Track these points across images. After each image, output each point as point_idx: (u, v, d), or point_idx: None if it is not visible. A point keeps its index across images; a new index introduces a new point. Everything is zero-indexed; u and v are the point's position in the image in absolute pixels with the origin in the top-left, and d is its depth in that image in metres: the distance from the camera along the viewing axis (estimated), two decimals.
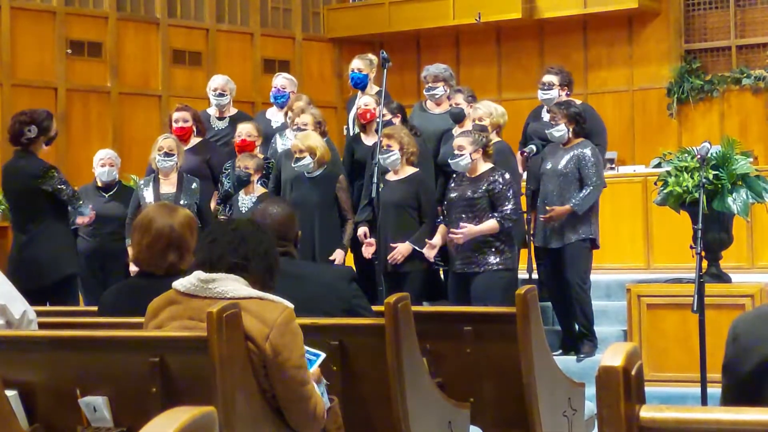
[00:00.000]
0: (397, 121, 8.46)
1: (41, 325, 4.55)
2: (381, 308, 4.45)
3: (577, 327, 8.23)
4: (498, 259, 7.60)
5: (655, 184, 8.16)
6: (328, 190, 8.10)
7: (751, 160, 8.12)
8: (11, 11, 14.03)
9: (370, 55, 9.30)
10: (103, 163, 8.95)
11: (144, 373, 3.67)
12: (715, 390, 6.26)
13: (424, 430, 4.37)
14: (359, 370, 4.43)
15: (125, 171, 10.39)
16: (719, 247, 7.85)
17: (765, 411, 2.04)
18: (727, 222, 7.80)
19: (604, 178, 8.27)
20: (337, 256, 8.05)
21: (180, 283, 3.87)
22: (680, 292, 7.67)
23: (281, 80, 9.55)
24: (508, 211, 7.57)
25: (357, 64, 9.13)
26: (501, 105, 8.77)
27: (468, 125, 8.31)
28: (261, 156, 8.58)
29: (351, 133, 9.08)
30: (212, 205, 8.52)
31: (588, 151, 8.02)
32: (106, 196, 8.90)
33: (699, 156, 7.11)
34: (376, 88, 9.03)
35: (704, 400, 6.58)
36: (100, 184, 8.97)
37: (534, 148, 8.36)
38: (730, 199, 7.58)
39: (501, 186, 7.59)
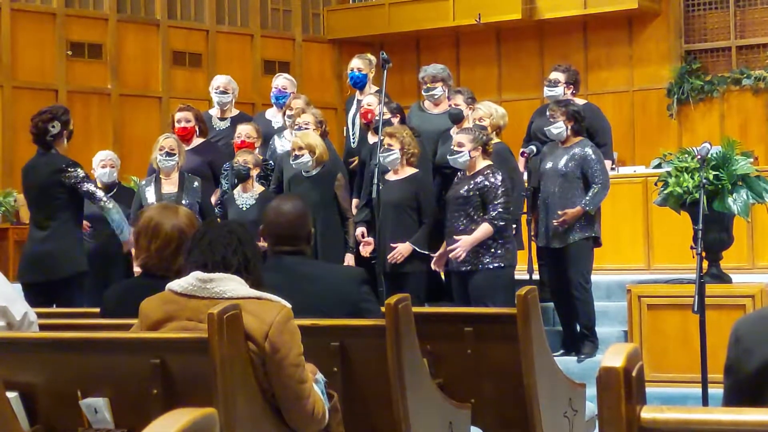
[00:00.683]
0: (396, 121, 8.46)
1: (42, 327, 4.55)
2: (381, 309, 4.45)
3: (578, 327, 8.23)
4: (495, 258, 7.59)
5: (656, 184, 8.15)
6: (327, 189, 8.10)
7: (752, 160, 8.12)
8: (11, 13, 14.05)
9: (369, 55, 9.31)
10: (103, 165, 8.95)
11: (145, 374, 3.67)
12: (715, 390, 6.25)
13: (424, 431, 4.37)
14: (360, 371, 4.43)
15: (126, 172, 10.41)
16: (720, 248, 7.84)
17: (766, 411, 2.04)
18: (728, 222, 7.79)
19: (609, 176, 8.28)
20: (348, 261, 8.07)
21: (177, 284, 3.86)
22: (681, 293, 7.67)
23: (282, 81, 9.55)
24: (500, 210, 7.53)
25: (356, 63, 9.13)
26: (501, 105, 8.77)
27: (467, 126, 8.30)
28: (260, 157, 8.58)
29: (351, 133, 9.07)
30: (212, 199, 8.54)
31: (590, 151, 8.02)
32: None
33: (699, 156, 7.11)
34: (374, 88, 9.03)
35: (705, 400, 6.58)
36: (100, 185, 8.97)
37: (534, 148, 8.36)
38: (730, 200, 7.58)
39: (491, 184, 7.57)
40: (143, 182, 8.64)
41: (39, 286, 7.53)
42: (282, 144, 8.77)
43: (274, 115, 9.48)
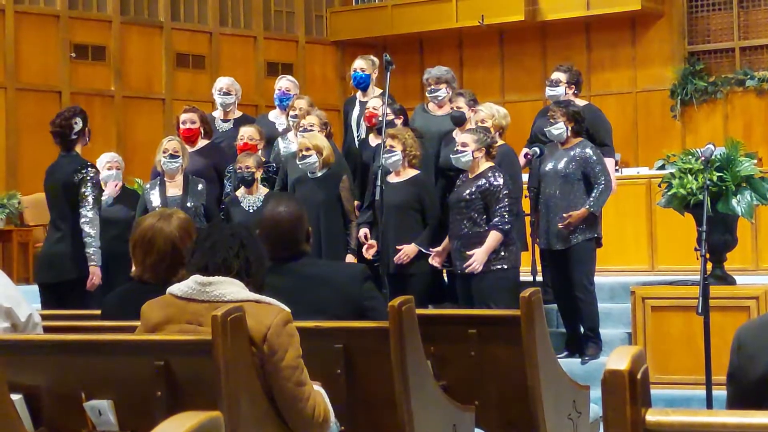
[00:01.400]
0: (399, 122, 8.46)
1: (46, 329, 4.56)
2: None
3: (582, 329, 8.22)
4: (498, 259, 7.59)
5: (659, 186, 8.15)
6: (332, 190, 8.10)
7: (755, 161, 8.12)
8: (15, 15, 14.06)
9: (372, 56, 9.31)
10: (109, 166, 8.96)
11: (149, 376, 3.67)
12: (720, 392, 6.25)
13: None
14: (364, 373, 4.43)
15: (129, 174, 10.41)
16: (724, 249, 7.84)
17: None
18: (732, 224, 7.79)
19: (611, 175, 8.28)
20: (349, 261, 8.07)
21: (177, 288, 3.87)
22: (685, 294, 7.66)
23: (285, 82, 9.56)
24: (504, 213, 7.53)
25: (359, 64, 9.13)
26: (504, 107, 8.77)
27: (470, 127, 8.30)
28: (263, 159, 8.58)
29: (356, 135, 9.07)
30: None
31: (590, 152, 8.01)
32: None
33: (703, 158, 7.11)
34: (377, 90, 9.03)
35: (709, 402, 6.58)
36: (104, 187, 8.98)
37: (537, 150, 8.36)
38: (734, 201, 7.57)
39: (494, 186, 7.57)
40: (147, 186, 8.64)
41: (53, 286, 7.57)
42: (286, 146, 8.77)
43: (277, 117, 9.48)
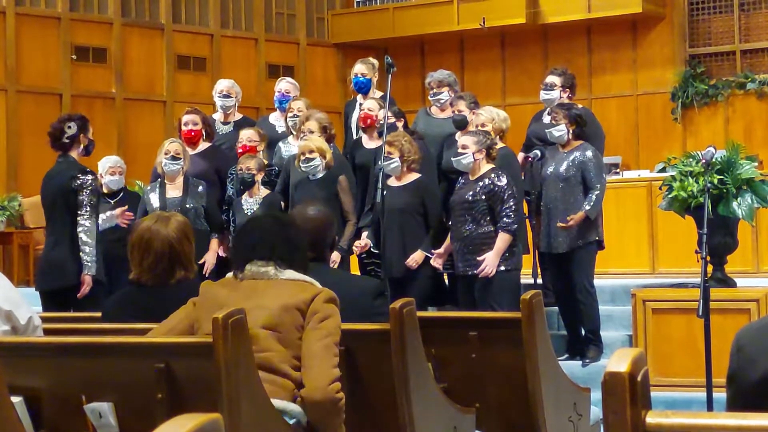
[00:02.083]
0: (399, 125, 8.47)
1: (47, 332, 4.56)
2: None
3: (582, 332, 8.22)
4: (501, 261, 7.59)
5: (660, 188, 8.15)
6: (331, 191, 8.10)
7: (756, 164, 8.13)
8: (16, 17, 14.07)
9: (372, 59, 9.30)
10: (112, 172, 8.94)
11: (149, 379, 3.67)
12: (720, 395, 6.25)
13: None
14: (365, 375, 4.43)
15: (130, 176, 10.41)
16: (724, 252, 7.84)
17: None
18: (732, 226, 7.79)
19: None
20: (334, 259, 8.05)
21: (234, 276, 4.12)
22: (685, 297, 7.66)
23: (285, 84, 9.55)
24: (510, 213, 7.54)
25: (360, 68, 9.13)
26: (505, 110, 8.77)
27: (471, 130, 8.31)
28: (265, 162, 8.58)
29: (354, 136, 9.08)
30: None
31: (590, 154, 8.02)
32: (112, 202, 8.89)
33: (704, 160, 7.11)
34: (378, 93, 9.03)
35: (710, 405, 6.58)
36: (106, 190, 8.98)
37: (539, 153, 8.36)
38: (735, 204, 7.57)
39: (496, 187, 7.57)
40: (148, 188, 8.64)
41: (53, 293, 7.55)
42: (288, 149, 8.77)
43: (277, 119, 9.48)
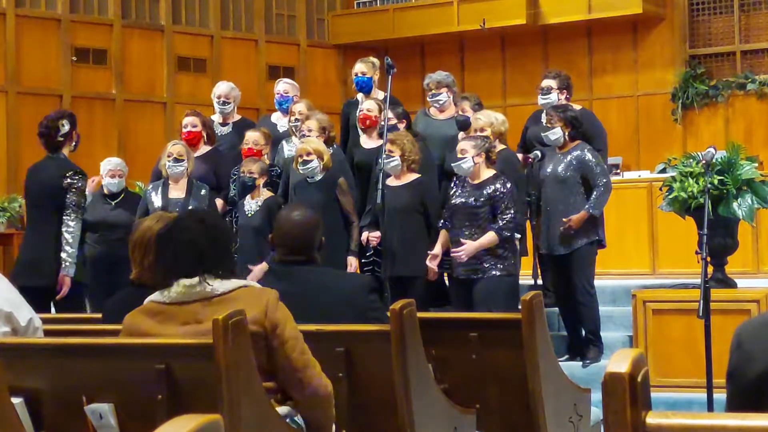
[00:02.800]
0: (402, 126, 8.47)
1: (47, 333, 4.56)
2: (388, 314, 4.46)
3: (583, 332, 8.22)
4: (499, 265, 7.60)
5: (661, 189, 8.16)
6: (331, 193, 8.10)
7: (756, 165, 8.12)
8: (16, 19, 14.07)
9: (372, 58, 9.30)
10: (112, 174, 8.94)
11: (150, 380, 3.67)
12: (721, 395, 6.25)
13: None
14: (365, 377, 4.43)
15: (130, 177, 10.39)
16: (724, 253, 7.84)
17: None
18: (733, 227, 7.79)
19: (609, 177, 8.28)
20: (351, 263, 8.06)
21: (160, 296, 3.89)
22: (686, 298, 7.66)
23: (283, 85, 9.56)
24: (508, 219, 7.55)
25: (360, 67, 9.13)
26: (505, 111, 8.80)
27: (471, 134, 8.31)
28: (267, 162, 8.59)
29: (357, 135, 9.07)
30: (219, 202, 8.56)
31: (588, 154, 8.02)
32: (113, 203, 8.90)
33: (704, 161, 7.11)
34: (380, 92, 9.03)
35: (710, 405, 6.58)
36: (106, 192, 8.98)
37: (539, 154, 8.36)
38: (735, 205, 7.57)
39: (501, 194, 7.59)
40: (149, 188, 8.65)
41: (31, 290, 7.49)
42: (290, 149, 8.77)
43: (279, 119, 9.48)
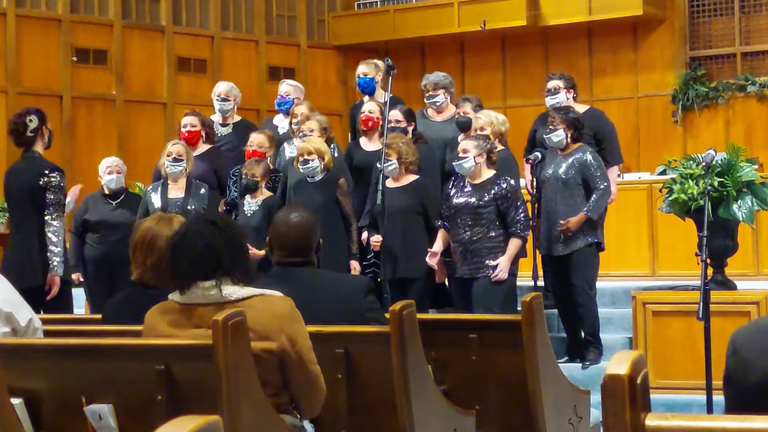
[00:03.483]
0: (410, 129, 8.47)
1: (47, 333, 4.56)
2: (386, 316, 4.46)
3: (582, 334, 8.22)
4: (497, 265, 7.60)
5: (661, 191, 8.15)
6: (331, 194, 8.10)
7: (756, 167, 8.12)
8: (17, 19, 14.07)
9: (375, 60, 9.30)
10: (110, 171, 8.95)
11: (150, 381, 3.67)
12: (720, 397, 6.23)
13: None
14: (364, 378, 4.43)
15: (130, 178, 10.41)
16: (724, 254, 7.84)
17: None
18: (733, 229, 7.79)
19: (612, 183, 8.27)
20: (355, 267, 8.06)
21: (178, 296, 3.89)
22: (685, 300, 7.66)
23: (285, 87, 9.57)
24: (521, 218, 7.59)
25: (363, 69, 9.13)
26: (506, 112, 8.79)
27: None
28: (272, 166, 8.59)
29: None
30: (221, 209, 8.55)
31: (590, 156, 8.01)
32: (113, 203, 8.90)
33: (704, 163, 7.11)
34: (383, 93, 9.02)
35: (710, 407, 6.58)
36: (107, 191, 8.98)
37: (539, 155, 8.35)
38: (735, 206, 7.57)
39: (508, 193, 7.59)
40: (149, 188, 8.65)
41: (23, 292, 7.40)
42: (292, 150, 8.76)
43: (281, 121, 9.49)
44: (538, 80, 15.75)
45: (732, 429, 2.03)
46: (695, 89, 15.17)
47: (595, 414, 5.52)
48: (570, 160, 8.02)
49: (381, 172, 7.81)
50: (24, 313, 4.43)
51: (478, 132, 8.16)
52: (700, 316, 6.30)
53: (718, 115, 15.21)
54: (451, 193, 7.84)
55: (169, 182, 8.36)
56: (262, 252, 7.70)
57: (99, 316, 5.07)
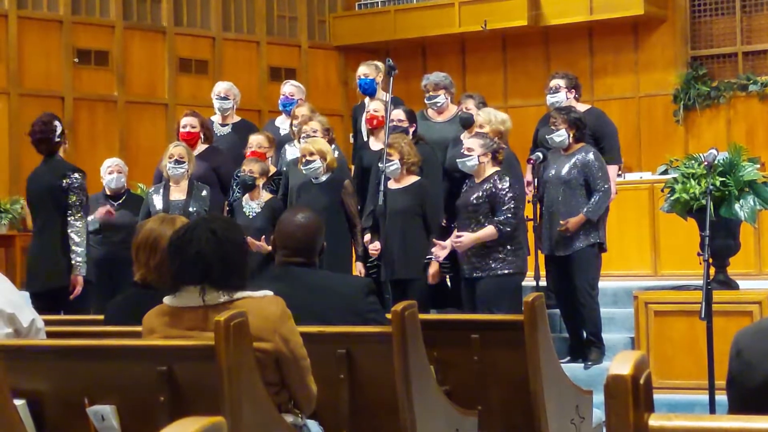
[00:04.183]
0: (412, 130, 8.46)
1: (49, 334, 4.56)
2: (388, 316, 4.46)
3: (584, 334, 8.21)
4: (504, 264, 7.59)
5: (662, 191, 8.15)
6: (335, 195, 8.10)
7: (758, 166, 8.11)
8: (18, 20, 14.08)
9: (375, 61, 9.30)
10: (111, 171, 8.96)
11: (152, 382, 3.67)
12: (722, 397, 6.23)
13: None
14: (366, 378, 4.43)
15: (132, 179, 10.41)
16: (726, 254, 7.83)
17: None
18: (735, 229, 7.79)
19: (611, 182, 8.26)
20: (360, 270, 8.06)
21: (171, 299, 3.91)
22: (688, 299, 7.66)
23: (289, 87, 9.56)
24: (508, 215, 7.53)
25: (363, 70, 9.13)
26: (507, 112, 8.76)
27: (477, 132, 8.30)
28: (274, 168, 8.59)
29: (363, 139, 9.06)
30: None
31: (592, 157, 8.01)
32: (115, 204, 8.91)
33: (706, 163, 7.10)
34: (384, 94, 9.02)
35: (712, 407, 6.57)
36: (108, 192, 9.00)
37: (540, 155, 8.35)
38: (737, 206, 7.57)
39: (499, 190, 7.57)
40: (151, 189, 8.65)
41: (45, 294, 7.48)
42: (293, 152, 8.76)
43: (283, 122, 9.48)
44: (539, 80, 15.76)
45: (735, 429, 2.03)
46: (697, 89, 15.17)
47: (598, 414, 5.51)
48: (572, 160, 8.01)
49: (382, 172, 7.80)
50: (26, 314, 4.43)
51: (477, 130, 8.16)
52: (703, 315, 6.30)
53: (720, 114, 15.21)
54: (462, 191, 7.84)
55: (170, 184, 8.36)
56: (269, 247, 7.70)
57: (101, 317, 5.06)
